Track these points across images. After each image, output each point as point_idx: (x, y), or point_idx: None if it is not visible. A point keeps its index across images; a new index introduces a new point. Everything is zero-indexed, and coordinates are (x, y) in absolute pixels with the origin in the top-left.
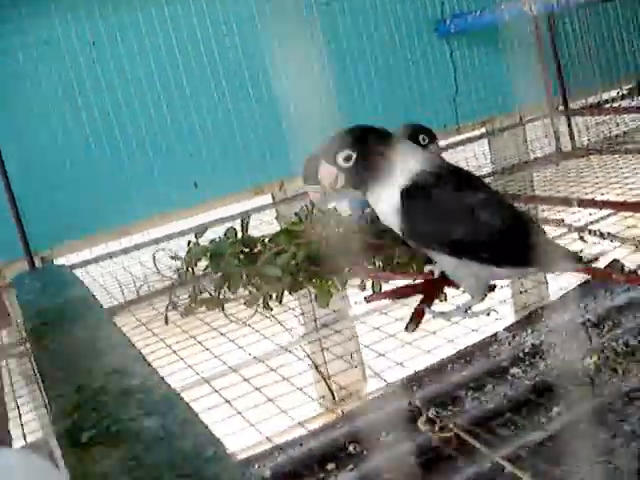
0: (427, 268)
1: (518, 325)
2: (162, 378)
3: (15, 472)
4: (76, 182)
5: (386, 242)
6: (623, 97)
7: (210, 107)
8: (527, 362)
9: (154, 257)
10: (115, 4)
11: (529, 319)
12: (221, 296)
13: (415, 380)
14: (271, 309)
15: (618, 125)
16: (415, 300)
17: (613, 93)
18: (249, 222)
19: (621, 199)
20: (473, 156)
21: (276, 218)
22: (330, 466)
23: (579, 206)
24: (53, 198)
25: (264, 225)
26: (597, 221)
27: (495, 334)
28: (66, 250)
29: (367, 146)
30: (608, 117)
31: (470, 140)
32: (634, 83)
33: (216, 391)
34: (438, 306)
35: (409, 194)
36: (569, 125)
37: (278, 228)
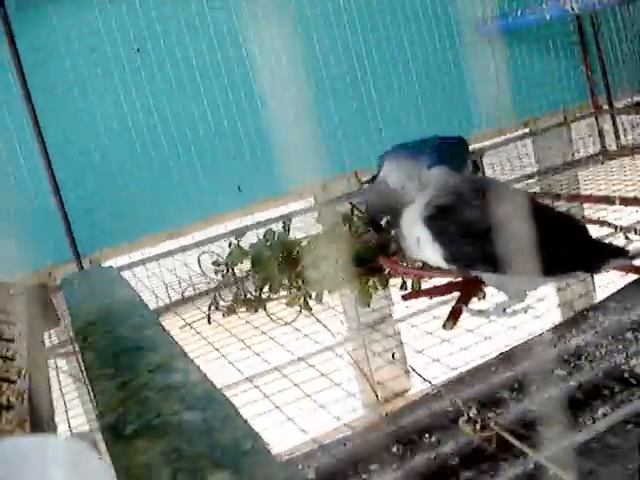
0: None
1: (563, 326)
2: (204, 374)
3: (57, 458)
4: (123, 187)
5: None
6: None
7: (253, 110)
8: (572, 363)
9: (199, 260)
10: (158, 10)
11: (575, 319)
12: (262, 296)
13: (459, 381)
14: (310, 309)
15: None
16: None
17: None
18: (290, 224)
19: None
20: (516, 156)
21: (317, 221)
22: (373, 467)
23: (621, 204)
24: (101, 202)
25: (307, 227)
26: None
27: (540, 335)
28: (114, 253)
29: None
30: None
31: (513, 140)
32: None
33: (266, 396)
34: (476, 304)
35: (431, 225)
36: (614, 124)
37: (319, 230)
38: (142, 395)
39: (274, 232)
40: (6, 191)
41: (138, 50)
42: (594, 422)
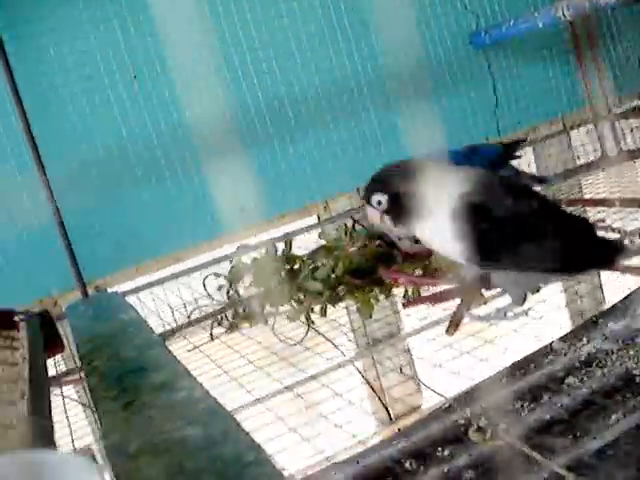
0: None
1: (573, 334)
2: (207, 391)
3: (59, 473)
4: (125, 212)
5: (422, 249)
6: None
7: (251, 132)
8: (583, 371)
9: (204, 282)
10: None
11: (585, 326)
12: (264, 311)
13: (470, 393)
14: (313, 322)
15: None
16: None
17: None
18: (292, 241)
19: None
20: (517, 165)
21: (319, 236)
22: None
23: (621, 206)
24: (103, 228)
25: (309, 244)
26: None
27: (550, 344)
28: (119, 278)
29: (395, 186)
30: None
31: None
32: None
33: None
34: (477, 309)
35: (463, 219)
36: (613, 129)
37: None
38: (146, 414)
39: (276, 246)
40: (8, 221)
41: (135, 77)
42: (608, 429)
